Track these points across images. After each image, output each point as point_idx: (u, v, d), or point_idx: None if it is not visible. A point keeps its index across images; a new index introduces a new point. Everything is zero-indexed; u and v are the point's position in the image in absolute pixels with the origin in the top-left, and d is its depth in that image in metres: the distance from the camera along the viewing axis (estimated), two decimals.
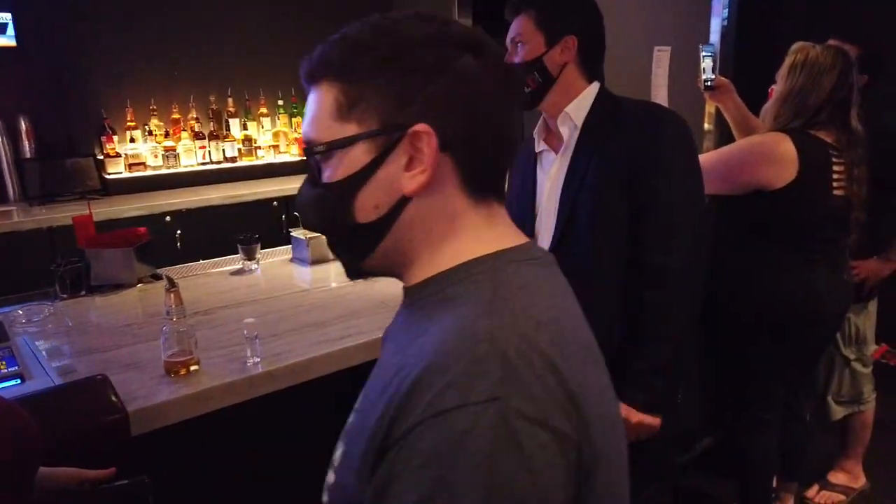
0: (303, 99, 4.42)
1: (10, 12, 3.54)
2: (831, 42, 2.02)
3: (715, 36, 3.21)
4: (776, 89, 2.02)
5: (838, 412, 2.45)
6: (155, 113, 4.04)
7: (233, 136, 4.24)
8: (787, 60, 1.98)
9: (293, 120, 4.51)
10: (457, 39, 0.69)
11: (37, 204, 3.61)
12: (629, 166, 1.47)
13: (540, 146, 1.66)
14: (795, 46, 1.99)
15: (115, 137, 3.88)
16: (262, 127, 4.42)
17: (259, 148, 4.34)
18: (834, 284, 2.00)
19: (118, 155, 3.87)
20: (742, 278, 2.03)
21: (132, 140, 3.92)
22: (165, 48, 4.07)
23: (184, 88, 4.14)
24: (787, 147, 1.91)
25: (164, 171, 4.00)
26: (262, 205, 3.90)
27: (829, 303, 2.00)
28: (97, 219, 3.38)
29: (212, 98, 4.22)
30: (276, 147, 4.40)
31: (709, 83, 2.33)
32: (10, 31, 3.56)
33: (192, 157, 4.09)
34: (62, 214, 3.34)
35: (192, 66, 4.19)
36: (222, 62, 4.28)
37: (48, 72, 3.75)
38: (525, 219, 1.65)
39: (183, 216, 3.63)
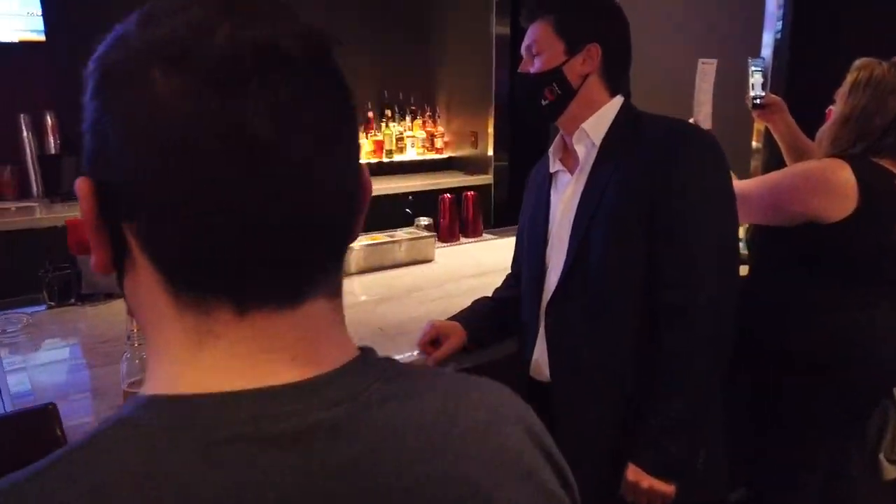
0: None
1: (40, 7, 3.51)
2: None
3: (767, 50, 2.99)
4: (835, 110, 1.80)
5: (891, 472, 2.20)
6: None
7: None
8: (849, 78, 1.77)
9: None
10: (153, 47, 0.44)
11: (59, 201, 3.56)
12: (649, 190, 1.30)
13: (555, 166, 1.50)
14: (859, 63, 1.77)
15: None
16: None
17: None
18: (893, 327, 1.77)
19: None
20: (782, 317, 1.81)
21: None
22: None
23: None
24: (845, 175, 1.69)
25: None
26: None
27: (886, 348, 1.77)
28: None
29: None
30: None
31: (758, 101, 2.13)
32: (40, 25, 3.52)
33: None
34: (77, 213, 3.28)
35: None
36: None
37: (76, 68, 3.69)
38: (537, 245, 1.49)
39: None
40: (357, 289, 2.03)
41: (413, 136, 4.72)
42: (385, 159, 4.59)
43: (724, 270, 1.32)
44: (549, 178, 1.51)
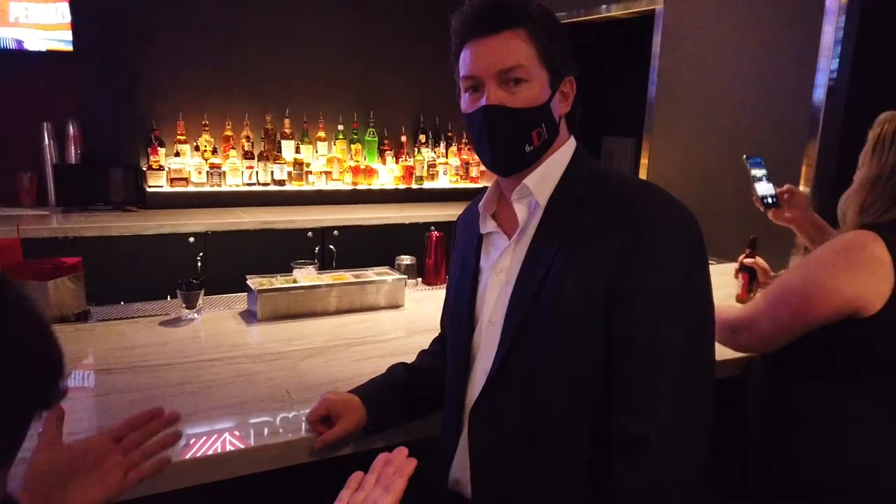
0: (365, 125, 4.18)
1: (69, 17, 3.51)
2: None
3: (821, 92, 2.62)
4: (859, 175, 1.48)
5: None
6: (207, 129, 3.91)
7: (283, 159, 4.03)
8: (872, 135, 1.46)
9: (352, 146, 4.26)
10: None
11: (75, 211, 3.54)
12: (606, 277, 0.99)
13: (487, 225, 1.20)
14: (883, 116, 1.47)
15: (163, 150, 3.78)
16: (317, 151, 4.19)
17: (310, 173, 4.11)
18: None
19: (161, 168, 3.75)
20: (795, 436, 1.46)
21: (177, 154, 3.79)
22: (225, 63, 3.95)
23: (240, 106, 4.00)
24: (878, 251, 1.35)
25: (206, 188, 3.85)
26: (296, 234, 3.64)
27: None
28: (117, 233, 3.29)
29: (268, 118, 4.05)
30: (328, 174, 4.15)
31: (770, 200, 1.86)
32: (68, 36, 3.53)
33: (237, 176, 3.92)
34: (85, 225, 3.23)
35: (252, 84, 4.04)
36: (283, 81, 4.12)
37: (101, 79, 3.71)
38: (461, 324, 1.20)
39: (209, 238, 3.43)
40: (292, 335, 1.81)
41: (446, 164, 4.51)
42: (415, 185, 4.39)
43: (693, 393, 0.99)
44: (478, 239, 1.22)
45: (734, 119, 2.97)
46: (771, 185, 1.87)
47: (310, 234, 3.67)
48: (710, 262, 1.84)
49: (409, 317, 2.05)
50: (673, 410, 0.97)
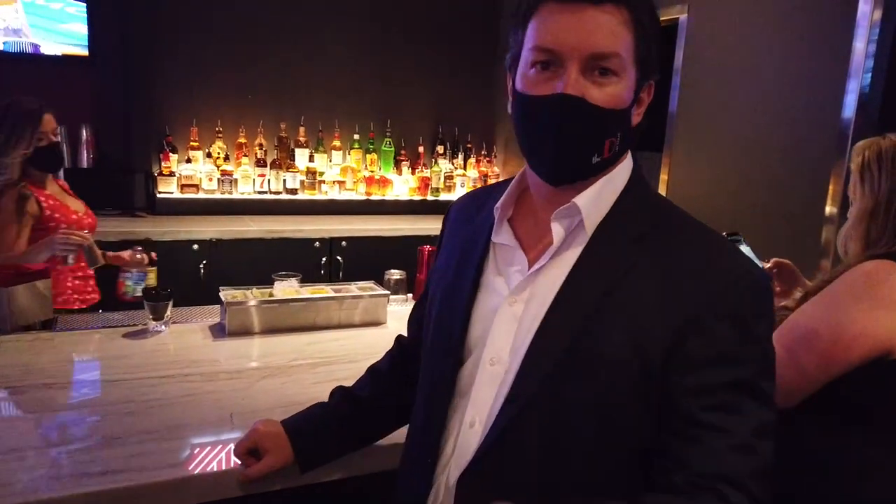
0: (382, 135, 4.10)
1: (86, 21, 3.52)
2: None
3: (850, 108, 2.43)
4: (854, 209, 1.35)
5: None
6: (220, 135, 3.88)
7: (296, 167, 3.97)
8: (854, 166, 1.35)
9: (368, 156, 4.18)
10: None
11: None
12: (669, 340, 0.81)
13: (502, 233, 0.96)
14: (858, 146, 1.36)
15: (175, 156, 3.76)
16: (331, 161, 4.13)
17: (323, 182, 4.05)
18: None
19: (172, 174, 3.73)
20: (812, 494, 1.28)
21: (188, 160, 3.77)
22: (241, 70, 3.92)
23: (254, 113, 3.96)
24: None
25: (217, 195, 3.81)
26: (303, 244, 3.56)
27: None
28: (121, 238, 3.26)
29: (282, 125, 4.00)
30: (342, 183, 4.08)
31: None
32: (85, 40, 3.54)
33: (249, 184, 3.87)
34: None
35: (267, 91, 4.00)
36: (299, 89, 4.07)
37: (116, 84, 3.71)
38: (446, 352, 0.95)
39: (213, 247, 3.37)
40: (258, 352, 1.71)
41: (464, 175, 4.40)
42: (430, 197, 4.29)
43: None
44: (483, 245, 0.98)
45: (758, 135, 2.80)
46: (758, 263, 1.74)
47: (317, 244, 3.59)
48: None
49: (389, 335, 1.90)
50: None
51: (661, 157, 3.33)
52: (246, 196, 3.87)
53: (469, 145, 4.51)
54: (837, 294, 1.26)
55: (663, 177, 3.30)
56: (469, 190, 4.32)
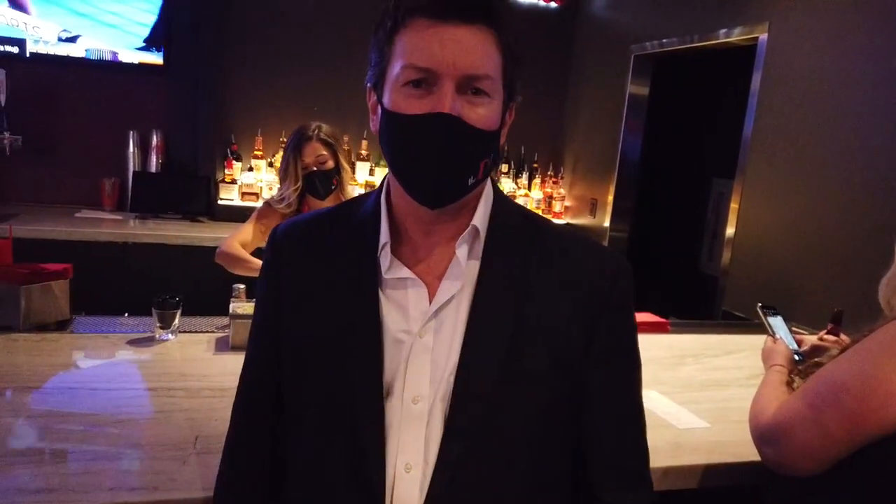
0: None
1: (163, 31, 3.66)
2: None
3: None
4: None
5: None
6: (283, 145, 3.92)
7: (356, 180, 3.96)
8: None
9: None
10: None
11: (148, 218, 3.65)
12: (576, 340, 0.88)
13: (394, 268, 0.88)
14: None
15: (238, 164, 3.83)
16: None
17: None
18: None
19: (234, 181, 3.80)
20: None
21: (251, 169, 3.83)
22: (306, 82, 3.96)
23: None
24: None
25: None
26: None
27: None
28: (174, 242, 3.33)
29: (346, 138, 4.00)
30: None
31: (797, 357, 1.50)
32: (160, 49, 3.68)
33: None
34: (145, 232, 3.31)
35: (333, 103, 4.02)
36: (363, 104, 4.05)
37: (188, 92, 3.83)
38: (364, 402, 0.86)
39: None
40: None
41: (527, 196, 4.26)
42: None
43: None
44: (370, 282, 0.88)
45: (842, 173, 2.51)
46: (792, 339, 1.55)
47: None
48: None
49: None
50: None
51: (733, 185, 3.08)
52: None
53: (535, 165, 4.36)
54: (872, 348, 1.06)
55: (733, 206, 3.05)
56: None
